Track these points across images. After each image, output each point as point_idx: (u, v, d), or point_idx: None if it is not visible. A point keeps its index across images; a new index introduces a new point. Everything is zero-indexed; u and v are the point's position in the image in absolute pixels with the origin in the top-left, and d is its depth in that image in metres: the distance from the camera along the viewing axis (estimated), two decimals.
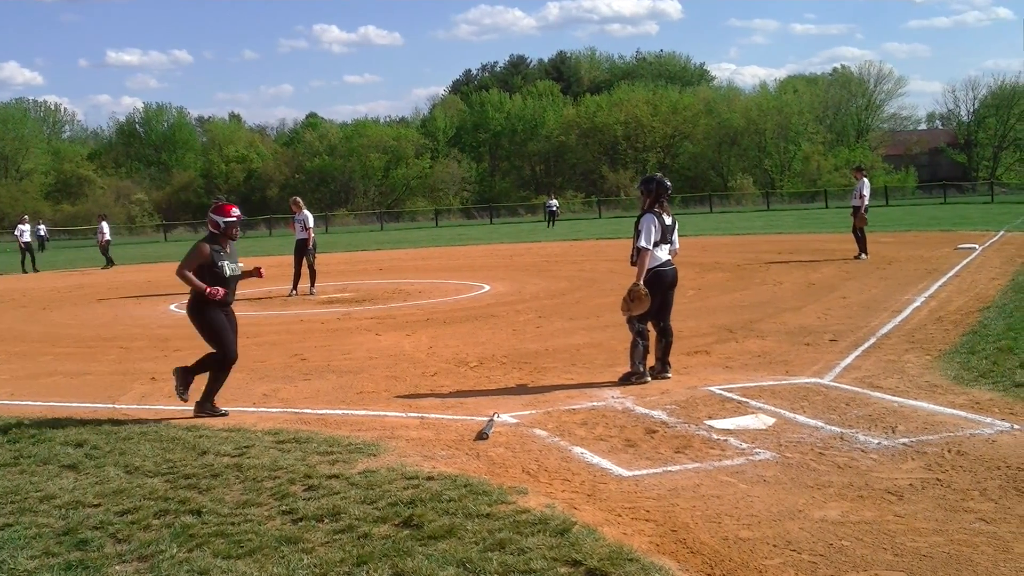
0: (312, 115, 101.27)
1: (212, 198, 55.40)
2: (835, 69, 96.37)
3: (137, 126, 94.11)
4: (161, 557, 5.12)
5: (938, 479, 5.95)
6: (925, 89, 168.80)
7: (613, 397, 8.69)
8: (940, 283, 15.84)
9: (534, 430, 7.62)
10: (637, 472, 6.38)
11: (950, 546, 4.88)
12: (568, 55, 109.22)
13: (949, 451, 6.50)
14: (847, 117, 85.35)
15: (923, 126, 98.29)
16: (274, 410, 8.88)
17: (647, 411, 8.06)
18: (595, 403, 8.49)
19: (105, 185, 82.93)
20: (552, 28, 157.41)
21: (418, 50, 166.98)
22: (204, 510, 5.83)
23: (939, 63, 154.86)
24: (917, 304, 13.70)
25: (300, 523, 5.54)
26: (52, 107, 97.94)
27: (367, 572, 4.79)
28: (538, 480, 6.29)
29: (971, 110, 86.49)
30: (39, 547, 5.34)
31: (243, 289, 22.03)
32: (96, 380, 10.86)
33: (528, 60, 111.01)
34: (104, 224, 35.82)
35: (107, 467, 6.92)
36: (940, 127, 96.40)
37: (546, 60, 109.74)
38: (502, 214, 73.48)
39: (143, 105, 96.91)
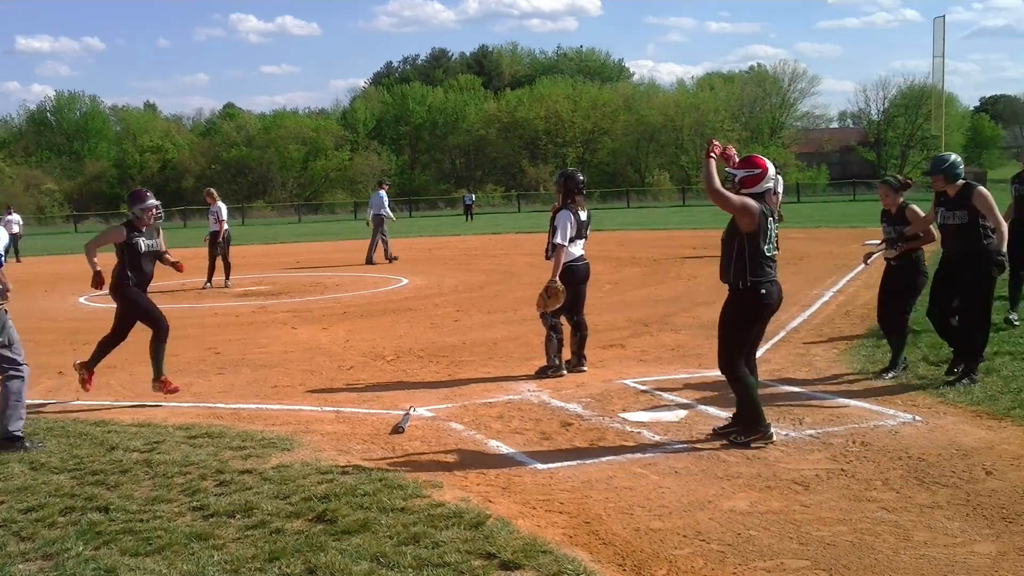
0: (230, 105, 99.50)
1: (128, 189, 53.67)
2: (751, 67, 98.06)
3: (48, 114, 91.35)
4: (66, 555, 5.01)
5: (843, 469, 6.12)
6: (836, 88, 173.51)
7: (529, 391, 8.75)
8: (848, 278, 16.24)
9: (450, 424, 7.63)
10: (552, 465, 6.44)
11: (854, 535, 5.02)
12: (490, 49, 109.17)
13: (853, 442, 6.69)
14: (762, 115, 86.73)
15: (835, 124, 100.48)
16: (186, 404, 8.76)
17: (563, 404, 8.13)
18: (511, 396, 8.54)
19: (13, 174, 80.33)
20: (472, 22, 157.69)
21: (337, 41, 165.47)
22: (112, 507, 5.72)
23: (850, 63, 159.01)
24: (826, 299, 14.04)
25: (211, 519, 5.47)
26: None
27: (280, 568, 4.75)
28: (453, 474, 6.30)
29: (881, 109, 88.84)
30: None
31: (157, 281, 21.61)
32: None
33: (450, 53, 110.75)
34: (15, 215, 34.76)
35: (11, 463, 6.76)
36: (851, 126, 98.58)
37: (467, 54, 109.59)
38: (421, 207, 73.14)
39: (55, 93, 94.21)
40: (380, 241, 23.94)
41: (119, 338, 9.26)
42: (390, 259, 23.74)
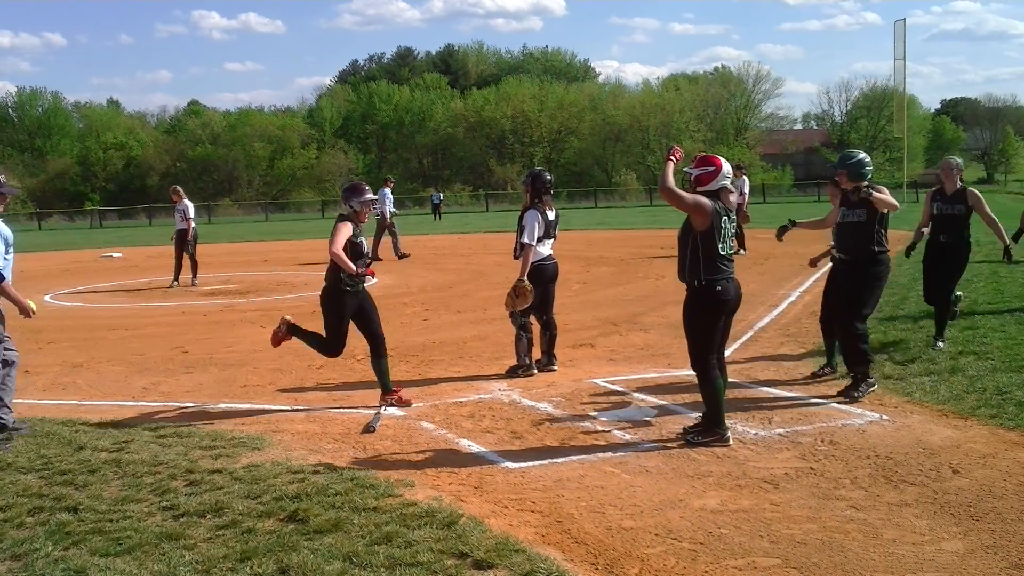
0: (194, 103, 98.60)
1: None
2: (715, 68, 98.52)
3: (10, 111, 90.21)
4: (35, 555, 4.96)
5: (812, 468, 6.18)
6: (799, 90, 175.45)
7: (500, 390, 8.75)
8: (814, 278, 16.34)
9: (421, 423, 7.63)
10: (523, 464, 6.45)
11: (823, 533, 5.07)
12: (456, 48, 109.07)
13: (822, 441, 6.76)
14: (727, 116, 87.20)
15: (799, 126, 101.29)
16: (155, 404, 8.68)
17: (533, 403, 8.15)
18: (482, 396, 8.54)
19: None
20: (437, 21, 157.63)
21: (301, 39, 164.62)
22: (81, 507, 5.67)
23: (812, 65, 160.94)
24: (792, 299, 14.18)
25: (182, 519, 5.43)
26: None
27: (251, 568, 4.73)
28: (425, 473, 6.30)
29: (844, 111, 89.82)
30: None
31: (123, 280, 21.43)
32: None
33: (416, 52, 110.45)
34: None
35: None
36: (815, 127, 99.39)
37: (433, 53, 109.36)
38: None
39: (16, 89, 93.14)
40: (386, 236, 24.52)
41: (333, 346, 8.46)
42: (374, 258, 23.84)
